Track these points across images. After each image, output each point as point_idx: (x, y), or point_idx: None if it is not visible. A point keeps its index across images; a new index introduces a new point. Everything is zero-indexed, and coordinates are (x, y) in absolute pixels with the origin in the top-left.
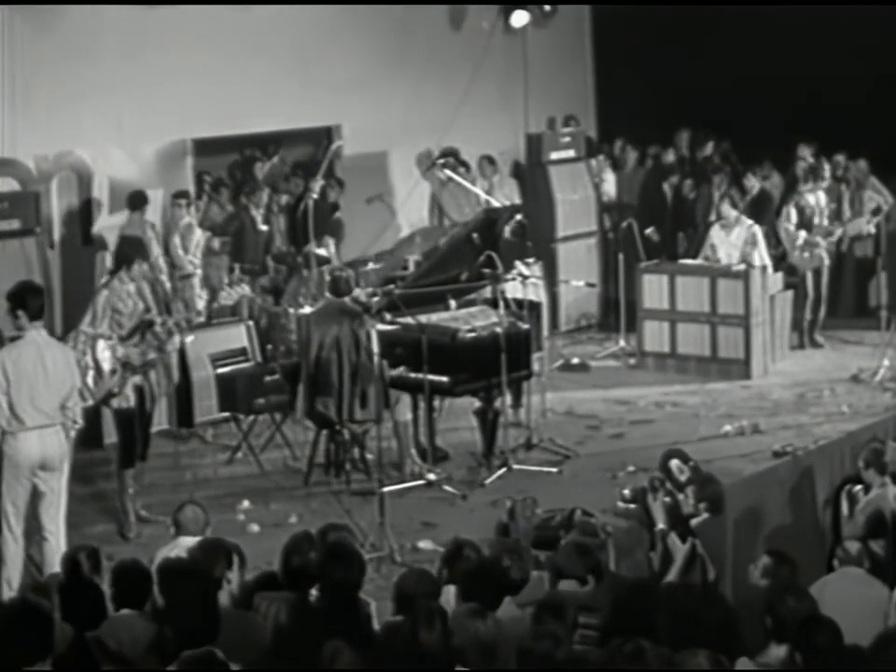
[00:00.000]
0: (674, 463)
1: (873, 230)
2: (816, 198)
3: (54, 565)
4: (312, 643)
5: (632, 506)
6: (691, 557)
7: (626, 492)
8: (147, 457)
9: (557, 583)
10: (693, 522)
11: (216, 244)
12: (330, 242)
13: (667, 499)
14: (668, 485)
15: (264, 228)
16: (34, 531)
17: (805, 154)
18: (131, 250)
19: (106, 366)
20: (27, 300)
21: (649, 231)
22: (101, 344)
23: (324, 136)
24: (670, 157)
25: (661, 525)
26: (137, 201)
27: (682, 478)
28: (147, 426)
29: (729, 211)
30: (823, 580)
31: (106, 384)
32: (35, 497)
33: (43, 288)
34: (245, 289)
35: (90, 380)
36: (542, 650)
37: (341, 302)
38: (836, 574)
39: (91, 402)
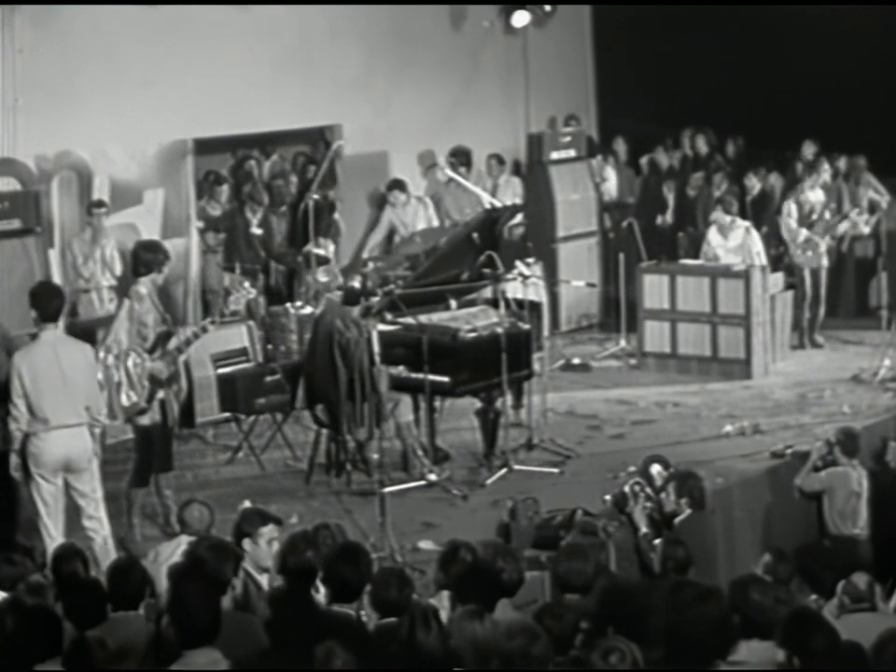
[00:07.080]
0: (655, 469)
1: (868, 229)
2: (815, 195)
3: (107, 560)
4: (310, 643)
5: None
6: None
7: (608, 497)
8: (173, 467)
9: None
10: (677, 520)
11: (210, 241)
12: (328, 244)
13: (648, 504)
14: (648, 491)
15: (258, 231)
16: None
17: (808, 152)
18: (152, 254)
19: (139, 381)
20: (39, 300)
21: (659, 221)
22: (131, 359)
23: (324, 136)
24: (666, 156)
25: (644, 530)
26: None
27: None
28: (168, 439)
29: (723, 217)
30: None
31: (138, 400)
32: (70, 497)
33: (60, 289)
34: (252, 292)
35: (123, 397)
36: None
37: (343, 309)
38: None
39: (120, 420)
